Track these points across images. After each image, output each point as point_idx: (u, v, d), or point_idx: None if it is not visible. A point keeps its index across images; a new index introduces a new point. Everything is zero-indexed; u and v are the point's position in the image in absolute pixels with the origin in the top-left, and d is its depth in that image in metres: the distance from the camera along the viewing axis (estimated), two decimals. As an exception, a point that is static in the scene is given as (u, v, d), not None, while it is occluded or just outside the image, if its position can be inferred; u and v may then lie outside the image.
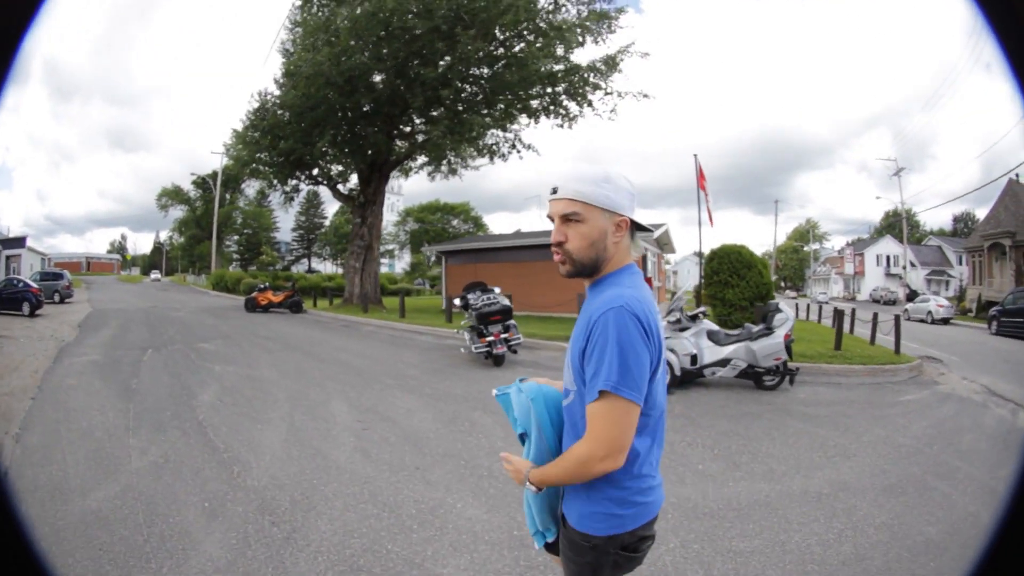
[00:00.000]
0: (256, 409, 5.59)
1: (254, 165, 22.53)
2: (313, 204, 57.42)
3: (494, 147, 20.26)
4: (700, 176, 14.31)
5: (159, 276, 49.80)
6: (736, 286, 13.69)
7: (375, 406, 5.79)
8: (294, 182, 23.60)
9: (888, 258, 46.28)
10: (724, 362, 6.86)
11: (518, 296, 16.43)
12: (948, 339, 14.99)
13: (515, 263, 19.78)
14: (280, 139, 19.46)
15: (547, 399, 1.43)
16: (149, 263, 63.83)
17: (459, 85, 17.50)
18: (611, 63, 16.67)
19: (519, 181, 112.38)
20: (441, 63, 17.09)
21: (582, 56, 18.14)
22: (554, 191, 1.33)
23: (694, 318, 7.08)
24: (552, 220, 1.35)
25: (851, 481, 3.90)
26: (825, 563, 2.71)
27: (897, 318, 10.65)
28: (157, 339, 10.54)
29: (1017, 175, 26.02)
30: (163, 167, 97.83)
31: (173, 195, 48.36)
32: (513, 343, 8.68)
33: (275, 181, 22.94)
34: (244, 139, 21.50)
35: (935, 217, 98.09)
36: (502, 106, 18.42)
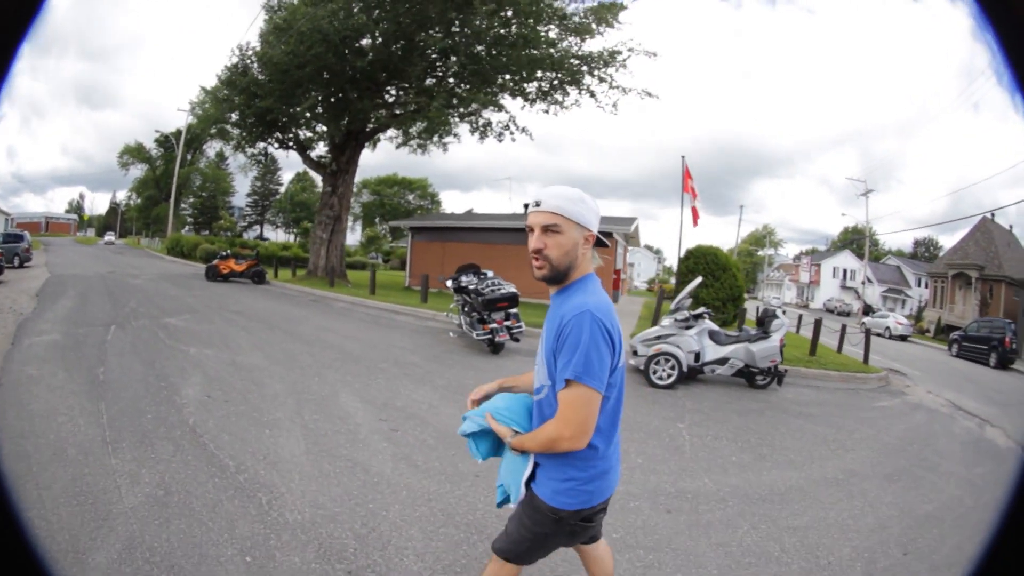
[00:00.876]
0: (255, 407, 4.89)
1: (222, 125, 21.64)
2: (270, 170, 55.72)
3: (485, 126, 20.30)
4: (686, 176, 14.99)
5: (113, 238, 48.04)
6: (711, 286, 14.52)
7: (390, 400, 5.46)
8: (262, 145, 23.09)
9: (845, 271, 49.53)
10: (723, 360, 7.48)
11: (490, 280, 16.80)
12: (908, 355, 16.43)
13: (487, 244, 19.96)
14: (257, 97, 18.90)
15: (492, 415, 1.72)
16: (104, 224, 62.48)
17: (462, 58, 17.58)
18: (612, 57, 17.20)
19: (471, 161, 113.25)
20: (440, 32, 17.03)
21: (587, 46, 18.51)
22: (537, 204, 1.56)
23: (698, 317, 7.66)
24: (531, 230, 1.58)
25: (857, 469, 4.56)
26: (859, 531, 3.32)
27: (867, 332, 11.70)
28: (119, 312, 9.94)
29: (992, 214, 28.46)
30: (127, 125, 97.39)
31: (135, 153, 46.79)
32: (515, 331, 8.76)
33: (242, 143, 22.53)
34: (215, 96, 20.53)
35: (895, 238, 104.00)
36: (495, 87, 18.53)
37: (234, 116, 20.79)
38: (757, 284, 64.74)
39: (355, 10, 16.51)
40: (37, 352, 6.54)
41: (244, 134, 21.68)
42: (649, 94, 17.63)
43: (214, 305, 12.04)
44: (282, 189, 56.87)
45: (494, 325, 8.58)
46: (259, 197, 57.00)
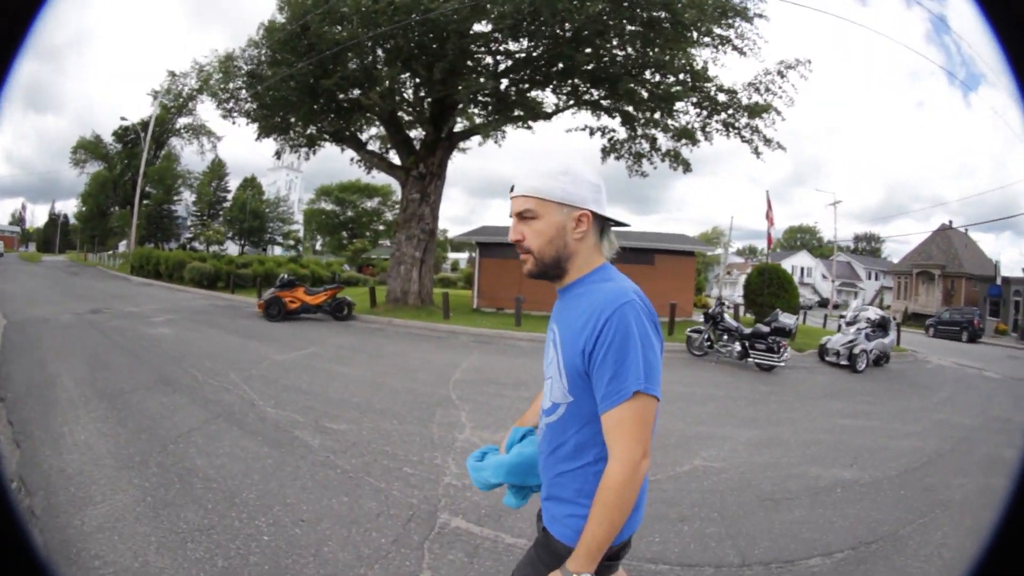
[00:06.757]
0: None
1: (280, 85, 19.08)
2: (217, 175, 58.81)
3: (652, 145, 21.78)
4: (768, 208, 24.40)
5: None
6: (781, 297, 24.27)
7: None
8: (310, 132, 22.38)
9: (802, 269, 63.60)
10: (871, 351, 16.39)
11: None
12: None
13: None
14: (327, 69, 18.07)
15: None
16: (43, 238, 61.95)
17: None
18: (762, 107, 19.54)
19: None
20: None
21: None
22: (512, 189, 1.58)
23: (862, 325, 16.48)
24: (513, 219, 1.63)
25: (954, 391, 14.11)
26: (981, 398, 12.89)
27: (898, 325, 21.85)
28: (283, 476, 4.89)
29: (950, 221, 42.32)
30: (68, 131, 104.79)
31: (91, 148, 46.53)
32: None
33: (302, 127, 21.96)
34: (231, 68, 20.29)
35: (831, 234, 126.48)
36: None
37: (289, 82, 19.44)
38: (708, 283, 78.03)
39: None
40: None
41: (302, 106, 20.00)
42: (780, 146, 19.95)
43: (426, 383, 8.93)
44: (229, 196, 60.14)
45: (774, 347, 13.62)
46: (205, 206, 59.46)
